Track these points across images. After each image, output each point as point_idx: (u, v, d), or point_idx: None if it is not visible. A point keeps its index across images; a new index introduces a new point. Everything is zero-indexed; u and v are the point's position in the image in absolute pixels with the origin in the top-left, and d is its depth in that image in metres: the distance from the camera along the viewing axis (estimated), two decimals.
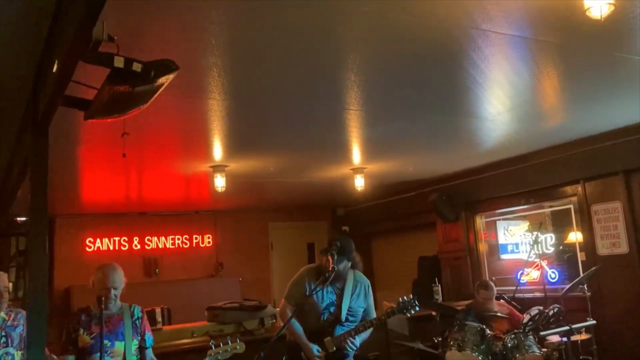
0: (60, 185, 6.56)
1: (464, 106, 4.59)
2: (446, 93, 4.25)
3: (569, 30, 3.18)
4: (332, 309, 4.00)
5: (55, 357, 3.44)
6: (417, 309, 4.00)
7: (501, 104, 4.56)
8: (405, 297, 4.01)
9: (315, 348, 3.89)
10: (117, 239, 9.00)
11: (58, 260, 8.33)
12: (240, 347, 3.57)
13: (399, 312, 3.96)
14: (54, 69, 2.27)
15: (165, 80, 2.39)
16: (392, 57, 3.44)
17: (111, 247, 8.92)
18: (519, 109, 4.74)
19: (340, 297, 4.01)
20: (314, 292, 3.91)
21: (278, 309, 4.30)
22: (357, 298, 4.08)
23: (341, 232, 10.44)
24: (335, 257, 3.90)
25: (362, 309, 4.11)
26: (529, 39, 3.26)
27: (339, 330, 3.98)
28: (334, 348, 3.91)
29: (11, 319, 3.72)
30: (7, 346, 3.63)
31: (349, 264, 4.07)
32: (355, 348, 3.96)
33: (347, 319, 4.01)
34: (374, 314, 4.17)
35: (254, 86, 3.80)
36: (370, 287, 4.20)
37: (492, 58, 3.54)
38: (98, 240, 8.86)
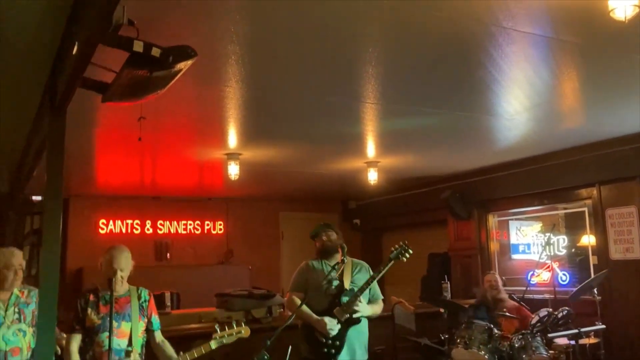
0: (75, 166, 6.63)
1: (482, 104, 4.56)
2: (464, 90, 4.22)
3: (592, 31, 3.14)
4: (335, 284, 4.08)
5: (64, 335, 3.49)
6: (411, 252, 4.11)
7: (519, 103, 4.52)
8: (397, 245, 4.14)
9: (327, 319, 3.94)
10: (130, 221, 9.09)
11: (71, 240, 8.42)
12: (245, 331, 3.58)
13: (394, 258, 4.08)
14: (74, 51, 2.29)
15: (184, 66, 2.40)
16: (411, 51, 3.42)
17: (124, 230, 9.01)
18: (537, 109, 4.69)
19: (341, 274, 4.11)
20: (318, 272, 4.08)
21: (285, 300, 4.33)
22: (359, 273, 4.21)
23: (352, 225, 10.48)
24: (330, 232, 4.26)
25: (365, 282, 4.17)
26: (550, 38, 3.22)
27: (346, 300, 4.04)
28: (346, 315, 3.97)
29: (24, 296, 3.78)
30: (19, 322, 3.69)
31: (337, 235, 4.31)
32: (363, 309, 4.02)
33: (351, 290, 4.07)
34: (377, 288, 4.27)
35: (271, 76, 3.80)
36: (369, 268, 4.29)
37: (513, 56, 3.51)
38: (111, 222, 8.95)
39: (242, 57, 3.39)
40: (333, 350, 3.96)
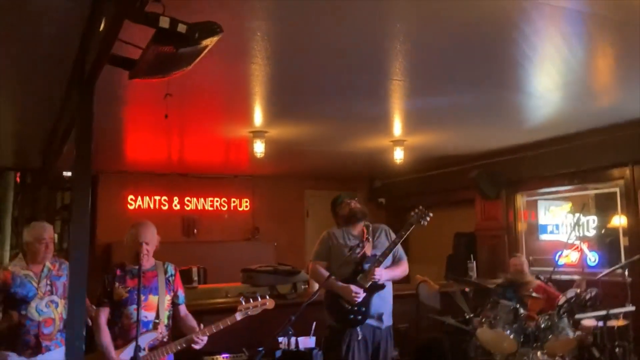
0: (104, 142, 6.72)
1: (512, 81, 4.46)
2: (494, 66, 4.12)
3: (630, 6, 3.02)
4: (357, 251, 4.05)
5: (94, 307, 3.58)
6: (431, 215, 4.06)
7: (551, 80, 4.41)
8: (416, 210, 4.08)
9: (352, 286, 3.95)
10: (157, 198, 9.22)
11: (101, 216, 8.59)
12: (269, 303, 3.62)
13: (414, 222, 4.03)
14: (101, 28, 2.30)
15: (210, 42, 2.39)
16: (440, 27, 3.35)
17: (152, 206, 9.15)
18: (570, 86, 4.58)
19: (363, 240, 4.08)
20: (340, 240, 4.11)
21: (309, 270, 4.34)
22: (379, 237, 4.22)
23: (377, 203, 10.46)
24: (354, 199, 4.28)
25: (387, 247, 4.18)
26: (586, 13, 3.12)
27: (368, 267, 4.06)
28: (369, 282, 3.98)
29: (56, 269, 3.89)
30: (51, 294, 3.81)
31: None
32: (382, 276, 4.03)
33: (374, 256, 4.07)
34: (401, 249, 4.27)
35: (297, 52, 3.77)
36: (390, 230, 4.30)
37: (545, 32, 3.41)
38: (139, 198, 9.09)
39: (268, 33, 3.37)
40: (359, 317, 3.99)
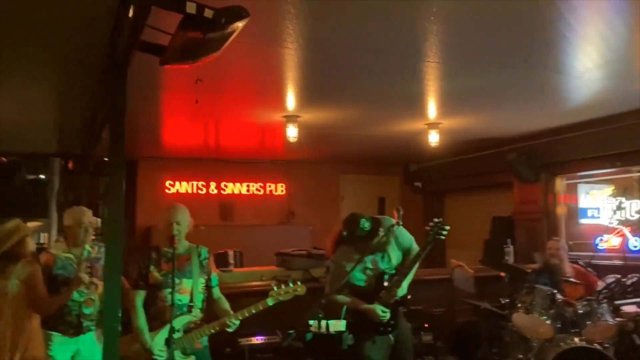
0: (143, 129, 6.87)
1: (550, 61, 4.34)
2: (531, 46, 4.01)
3: None
4: (371, 267, 4.06)
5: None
6: (447, 228, 3.97)
7: (590, 59, 4.27)
8: (431, 224, 4.01)
9: (378, 308, 3.93)
10: (195, 183, 9.39)
11: (140, 200, 8.82)
12: (301, 289, 3.64)
13: (432, 241, 3.96)
14: (130, 14, 2.34)
15: (237, 27, 2.39)
16: (475, 6, 3.27)
17: (189, 191, 9.33)
18: (610, 65, 4.43)
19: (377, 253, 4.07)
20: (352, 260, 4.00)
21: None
22: (389, 243, 4.14)
23: (413, 187, 10.38)
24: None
25: (400, 251, 4.17)
26: None
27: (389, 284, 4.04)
28: (393, 298, 3.98)
29: (95, 252, 4.01)
30: (91, 276, 3.93)
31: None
32: (403, 293, 4.02)
33: (390, 268, 4.07)
34: (415, 246, 4.21)
35: (328, 35, 3.75)
36: (394, 226, 4.12)
37: (584, 10, 3.32)
38: (177, 183, 9.27)
39: (298, 16, 3.36)
40: (390, 328, 4.01)
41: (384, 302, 3.96)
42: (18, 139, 7.32)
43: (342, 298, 4.03)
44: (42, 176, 8.18)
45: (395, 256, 4.16)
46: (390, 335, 4.00)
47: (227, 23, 2.30)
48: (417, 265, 4.07)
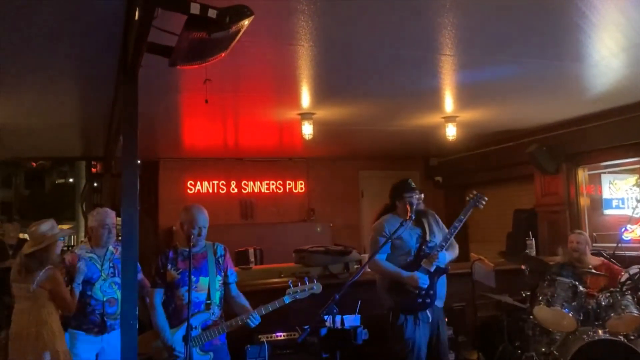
0: (164, 130, 6.96)
1: (570, 49, 4.27)
2: (549, 35, 3.94)
3: None
4: (415, 236, 4.25)
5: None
6: (486, 199, 4.25)
7: (610, 46, 4.17)
8: (471, 194, 4.28)
9: (418, 274, 4.08)
10: (215, 182, 9.47)
11: (162, 201, 8.94)
12: (317, 287, 3.68)
13: (472, 207, 4.23)
14: (136, 16, 2.37)
15: (242, 25, 2.41)
16: None
17: (210, 190, 9.41)
18: (627, 53, 4.31)
19: (419, 225, 4.29)
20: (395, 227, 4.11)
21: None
22: (430, 220, 4.40)
23: (434, 182, 10.32)
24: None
25: (441, 234, 4.37)
26: None
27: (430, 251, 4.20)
28: (434, 265, 4.11)
29: (118, 252, 4.09)
30: (114, 276, 4.02)
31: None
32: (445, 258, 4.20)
33: (432, 240, 4.24)
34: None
35: (342, 31, 3.73)
36: (435, 214, 4.51)
37: None
38: (198, 183, 9.36)
39: (311, 13, 3.35)
40: (428, 300, 4.13)
41: (424, 269, 4.10)
42: (45, 144, 7.48)
43: (387, 264, 4.20)
44: (70, 180, 8.37)
45: (438, 236, 4.33)
46: (429, 320, 4.13)
47: (231, 22, 2.32)
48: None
